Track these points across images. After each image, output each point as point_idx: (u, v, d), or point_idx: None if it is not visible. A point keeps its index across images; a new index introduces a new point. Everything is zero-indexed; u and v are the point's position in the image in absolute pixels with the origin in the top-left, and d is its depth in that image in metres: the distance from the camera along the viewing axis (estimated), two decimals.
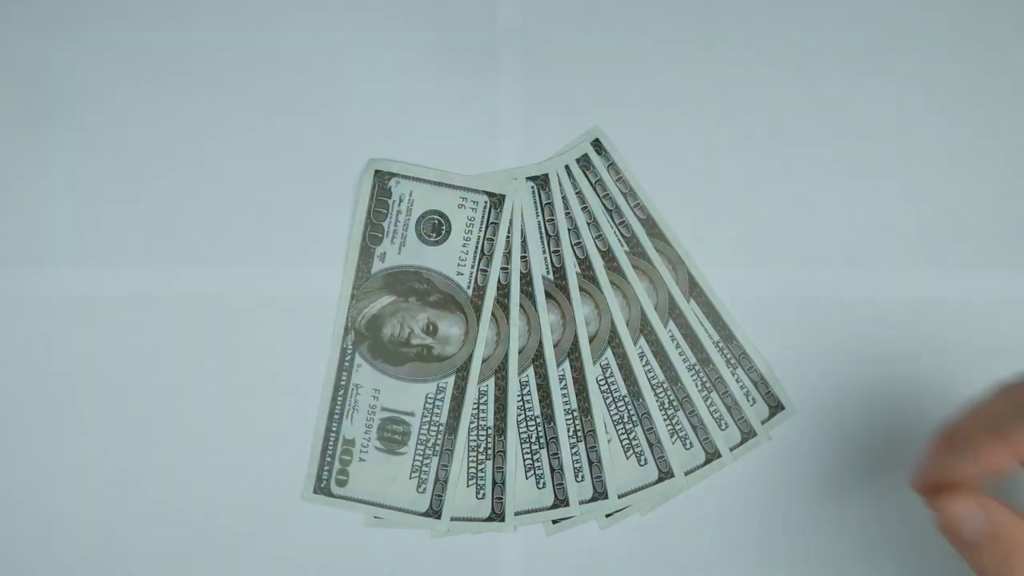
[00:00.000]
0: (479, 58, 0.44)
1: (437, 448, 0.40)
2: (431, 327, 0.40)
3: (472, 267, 0.40)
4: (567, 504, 0.40)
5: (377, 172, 0.41)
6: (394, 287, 0.40)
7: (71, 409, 0.43)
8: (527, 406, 0.39)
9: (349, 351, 0.41)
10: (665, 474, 0.41)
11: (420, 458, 0.40)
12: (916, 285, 0.44)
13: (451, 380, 0.40)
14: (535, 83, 0.45)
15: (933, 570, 0.43)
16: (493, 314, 0.40)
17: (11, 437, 0.43)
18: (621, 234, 0.41)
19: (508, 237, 0.40)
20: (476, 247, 0.40)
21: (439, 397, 0.40)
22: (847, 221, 0.44)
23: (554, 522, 0.41)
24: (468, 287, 0.40)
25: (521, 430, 0.40)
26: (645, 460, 0.41)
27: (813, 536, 0.43)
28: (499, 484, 0.40)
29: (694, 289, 0.41)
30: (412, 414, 0.40)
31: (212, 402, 0.43)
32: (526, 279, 0.40)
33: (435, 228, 0.40)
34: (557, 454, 0.39)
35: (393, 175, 0.41)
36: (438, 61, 0.44)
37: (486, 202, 0.40)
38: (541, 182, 0.41)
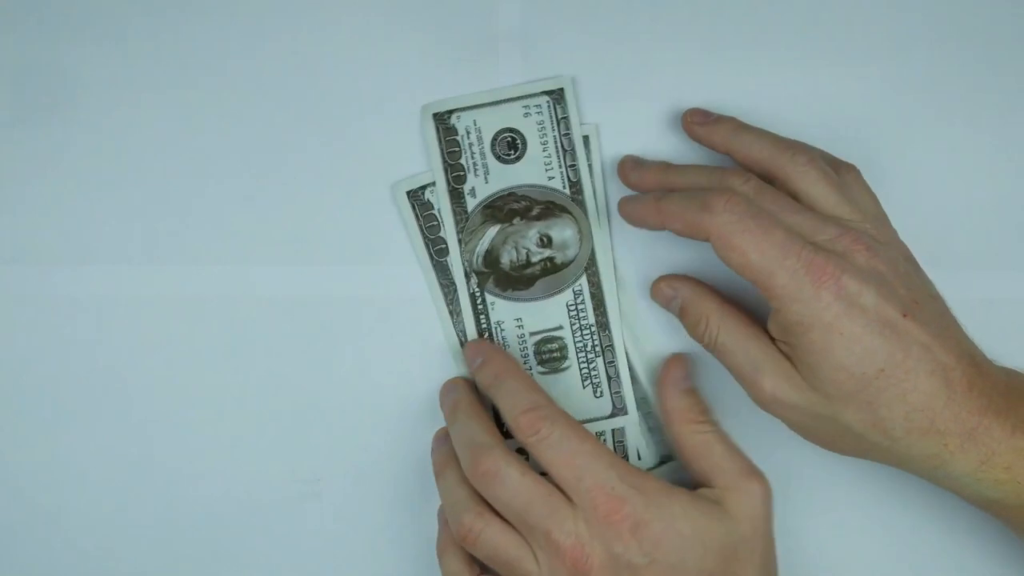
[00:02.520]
0: (479, 58, 0.44)
1: (598, 349, 0.40)
2: (545, 239, 0.41)
3: (561, 167, 0.40)
4: (626, 412, 0.41)
5: (435, 115, 0.41)
6: (495, 216, 0.41)
7: (72, 409, 0.43)
8: (581, 315, 0.40)
9: (478, 294, 0.41)
10: (619, 410, 0.41)
11: (585, 365, 0.40)
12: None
13: (583, 280, 0.41)
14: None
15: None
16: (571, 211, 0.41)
17: (11, 437, 0.43)
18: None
19: (568, 134, 0.41)
20: (556, 147, 0.40)
21: (579, 301, 0.40)
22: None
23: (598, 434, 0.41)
24: (564, 187, 0.40)
25: (576, 339, 0.40)
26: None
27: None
28: (614, 379, 0.41)
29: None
30: (561, 327, 0.40)
31: (213, 402, 0.43)
32: (575, 187, 0.41)
33: (511, 145, 0.41)
34: (613, 362, 0.40)
35: (451, 112, 0.41)
36: (438, 61, 0.44)
37: (548, 102, 0.41)
38: (556, 96, 0.41)
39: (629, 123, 0.44)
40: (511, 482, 0.36)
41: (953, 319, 0.37)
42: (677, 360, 0.41)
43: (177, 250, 0.44)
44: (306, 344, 0.44)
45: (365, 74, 0.44)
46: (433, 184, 0.41)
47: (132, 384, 0.43)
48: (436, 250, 0.41)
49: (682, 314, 0.40)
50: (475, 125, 0.41)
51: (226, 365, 0.43)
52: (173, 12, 0.44)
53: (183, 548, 0.43)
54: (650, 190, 0.40)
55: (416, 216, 0.41)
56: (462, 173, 0.41)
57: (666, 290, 0.40)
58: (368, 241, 0.44)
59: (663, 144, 0.44)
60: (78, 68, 0.44)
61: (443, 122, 0.41)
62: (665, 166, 0.41)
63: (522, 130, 0.41)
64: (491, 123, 0.41)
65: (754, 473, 0.38)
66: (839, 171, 0.39)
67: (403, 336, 0.44)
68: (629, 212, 0.40)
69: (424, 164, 0.43)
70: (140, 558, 0.43)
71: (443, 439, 0.41)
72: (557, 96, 0.41)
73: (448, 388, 0.42)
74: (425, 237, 0.41)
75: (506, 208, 0.40)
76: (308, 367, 0.44)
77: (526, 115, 0.41)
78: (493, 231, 0.40)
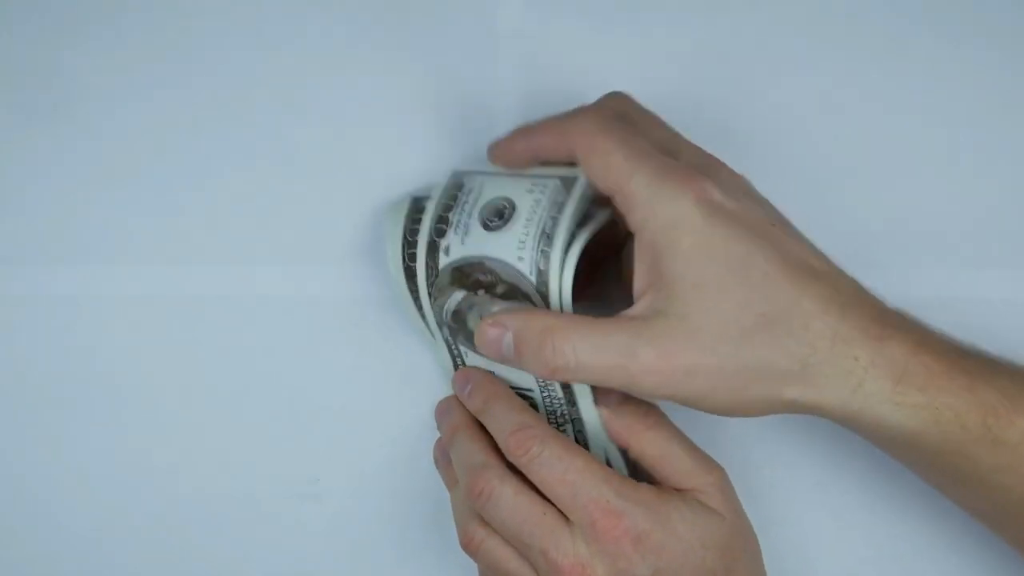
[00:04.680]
0: (479, 58, 0.44)
1: (566, 416, 0.39)
2: None
3: (534, 251, 0.36)
4: None
5: (453, 171, 0.40)
6: (462, 281, 0.38)
7: (71, 409, 0.43)
8: (549, 387, 0.39)
9: (452, 343, 0.40)
10: None
11: (556, 426, 0.39)
12: (916, 285, 0.44)
13: None
14: (535, 83, 0.45)
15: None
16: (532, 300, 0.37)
17: (11, 437, 0.43)
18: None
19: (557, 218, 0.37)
20: (538, 229, 0.36)
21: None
22: (846, 222, 0.44)
23: None
24: (531, 273, 0.36)
25: (546, 403, 0.39)
26: None
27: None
28: (583, 444, 0.39)
29: None
30: (531, 389, 0.39)
31: (212, 402, 0.43)
32: (542, 276, 0.37)
33: (499, 213, 0.37)
34: (582, 431, 0.39)
35: (469, 172, 0.39)
36: (438, 61, 0.44)
37: (556, 184, 0.37)
38: (568, 183, 0.38)
39: None
40: (505, 502, 0.36)
41: (804, 238, 0.37)
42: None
43: (177, 250, 0.44)
44: (306, 344, 0.44)
45: (365, 74, 0.44)
46: (479, 172, 0.39)
47: (132, 384, 0.43)
48: (436, 229, 0.39)
49: (519, 348, 0.35)
50: (480, 187, 0.38)
51: (225, 365, 0.43)
52: (173, 12, 0.44)
53: (182, 549, 0.43)
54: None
55: (444, 189, 0.39)
56: (445, 227, 0.38)
57: (491, 331, 0.36)
58: (368, 241, 0.44)
59: None
60: (78, 68, 0.44)
61: (457, 177, 0.39)
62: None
63: (517, 202, 0.37)
64: (494, 188, 0.38)
65: (714, 465, 0.37)
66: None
67: (403, 336, 0.44)
68: (500, 152, 0.38)
69: (421, 173, 0.43)
70: (139, 558, 0.43)
71: (447, 457, 0.41)
72: (568, 182, 0.37)
73: (444, 410, 0.41)
74: (436, 212, 0.39)
75: (472, 277, 0.38)
76: (308, 367, 0.44)
77: (529, 191, 0.37)
78: (459, 295, 0.38)
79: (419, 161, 0.44)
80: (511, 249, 0.37)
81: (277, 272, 0.44)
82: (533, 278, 0.36)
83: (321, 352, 0.44)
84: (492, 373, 0.40)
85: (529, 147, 0.37)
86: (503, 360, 0.36)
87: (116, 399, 0.43)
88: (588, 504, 0.35)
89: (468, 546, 0.37)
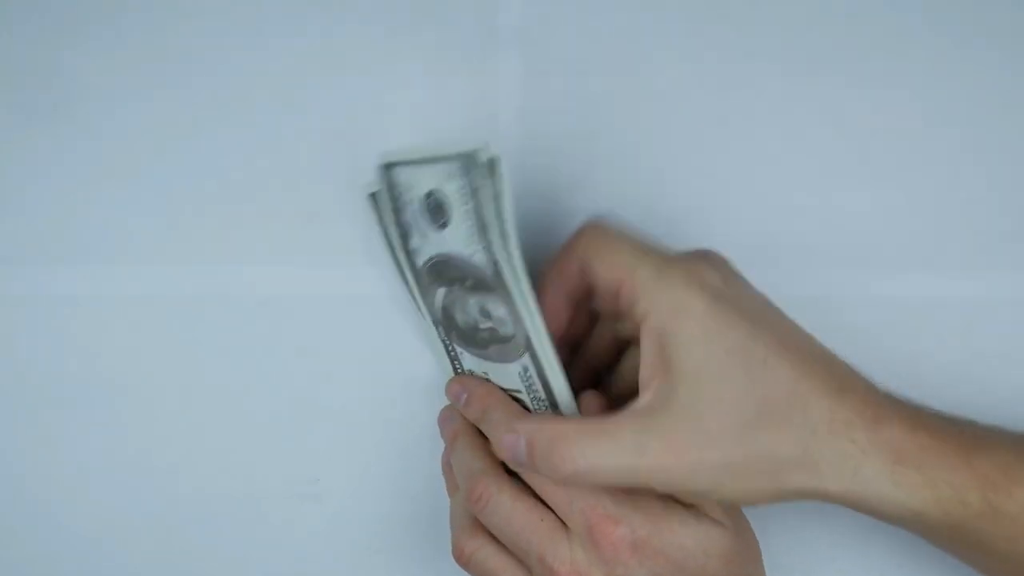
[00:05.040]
0: (479, 58, 0.44)
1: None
2: (484, 310, 0.37)
3: (479, 244, 0.35)
4: None
5: (383, 165, 0.37)
6: (439, 279, 0.38)
7: (71, 409, 0.43)
8: (533, 387, 0.39)
9: (447, 342, 0.40)
10: None
11: None
12: (916, 285, 0.44)
13: (527, 358, 0.37)
14: (535, 83, 0.45)
15: None
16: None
17: (11, 437, 0.43)
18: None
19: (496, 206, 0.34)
20: (474, 221, 0.34)
21: (528, 375, 0.38)
22: (846, 222, 0.44)
23: None
24: (486, 266, 0.35)
25: (534, 405, 0.39)
26: None
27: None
28: None
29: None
30: (520, 391, 0.39)
31: (212, 402, 0.43)
32: (495, 267, 0.35)
33: (438, 209, 0.35)
34: None
35: (395, 164, 0.37)
36: (438, 61, 0.44)
37: (459, 167, 0.34)
38: (467, 161, 0.34)
39: (628, 123, 0.44)
40: (503, 507, 0.36)
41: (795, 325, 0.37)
42: (594, 398, 0.38)
43: (177, 250, 0.44)
44: (306, 344, 0.44)
45: (365, 74, 0.44)
46: (402, 163, 0.36)
47: (132, 384, 0.43)
48: (401, 234, 0.38)
49: (530, 455, 0.35)
50: (408, 180, 0.36)
51: (225, 365, 0.43)
52: (173, 12, 0.44)
53: (182, 549, 0.43)
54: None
55: (388, 193, 0.37)
56: (407, 231, 0.37)
57: (507, 439, 0.36)
58: (368, 241, 0.44)
59: (662, 144, 0.44)
60: (78, 68, 0.44)
61: (389, 175, 0.37)
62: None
63: (446, 193, 0.35)
64: (423, 182, 0.35)
65: None
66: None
67: (403, 336, 0.44)
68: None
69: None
70: (139, 558, 0.43)
71: (451, 464, 0.41)
72: (468, 161, 0.33)
73: (446, 418, 0.41)
74: (394, 218, 0.37)
75: (446, 274, 0.37)
76: (308, 367, 0.44)
77: (449, 177, 0.34)
78: (442, 292, 0.38)
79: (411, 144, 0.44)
80: (463, 245, 0.36)
81: (277, 272, 0.44)
82: (489, 271, 0.35)
83: (321, 352, 0.44)
84: (487, 378, 0.40)
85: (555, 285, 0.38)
86: (519, 465, 0.36)
87: (116, 399, 0.43)
88: (585, 510, 0.35)
89: (459, 558, 0.37)
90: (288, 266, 0.44)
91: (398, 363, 0.44)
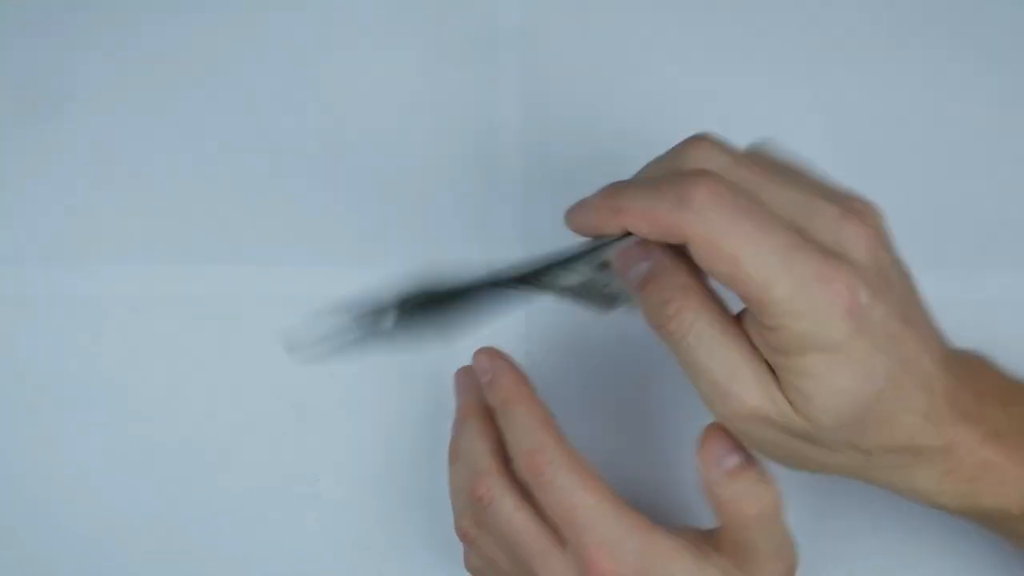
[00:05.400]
0: (479, 58, 0.44)
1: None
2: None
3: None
4: None
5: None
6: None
7: (71, 409, 0.43)
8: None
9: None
10: None
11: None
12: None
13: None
14: (535, 83, 0.45)
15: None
16: None
17: (11, 437, 0.43)
18: None
19: None
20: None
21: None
22: None
23: None
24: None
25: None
26: None
27: None
28: None
29: None
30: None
31: (213, 402, 0.43)
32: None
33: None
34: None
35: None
36: (438, 61, 0.44)
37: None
38: None
39: (629, 122, 0.44)
40: (503, 514, 0.35)
41: (925, 305, 0.32)
42: (716, 434, 0.34)
43: (177, 250, 0.44)
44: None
45: (365, 74, 0.44)
46: None
47: (132, 384, 0.43)
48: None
49: (646, 287, 0.31)
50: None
51: (225, 365, 0.43)
52: (173, 12, 0.44)
53: (182, 548, 0.43)
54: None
55: None
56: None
57: (636, 252, 0.31)
58: (368, 241, 0.44)
59: (660, 144, 0.44)
60: (78, 68, 0.44)
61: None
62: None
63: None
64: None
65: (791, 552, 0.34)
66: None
67: None
68: (579, 220, 0.33)
69: (421, 173, 0.43)
70: (139, 558, 0.43)
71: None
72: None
73: (464, 385, 0.39)
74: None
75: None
76: (307, 367, 0.44)
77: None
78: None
79: (419, 160, 0.44)
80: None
81: (278, 272, 0.44)
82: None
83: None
84: (516, 367, 0.37)
85: (618, 220, 0.31)
86: (626, 274, 0.32)
87: (116, 399, 0.43)
88: (584, 535, 0.33)
89: (463, 538, 0.37)
90: (288, 266, 0.44)
91: (398, 363, 0.44)
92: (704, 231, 0.28)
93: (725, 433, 0.33)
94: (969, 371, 0.33)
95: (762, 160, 0.31)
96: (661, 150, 0.44)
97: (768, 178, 0.30)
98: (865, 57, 0.44)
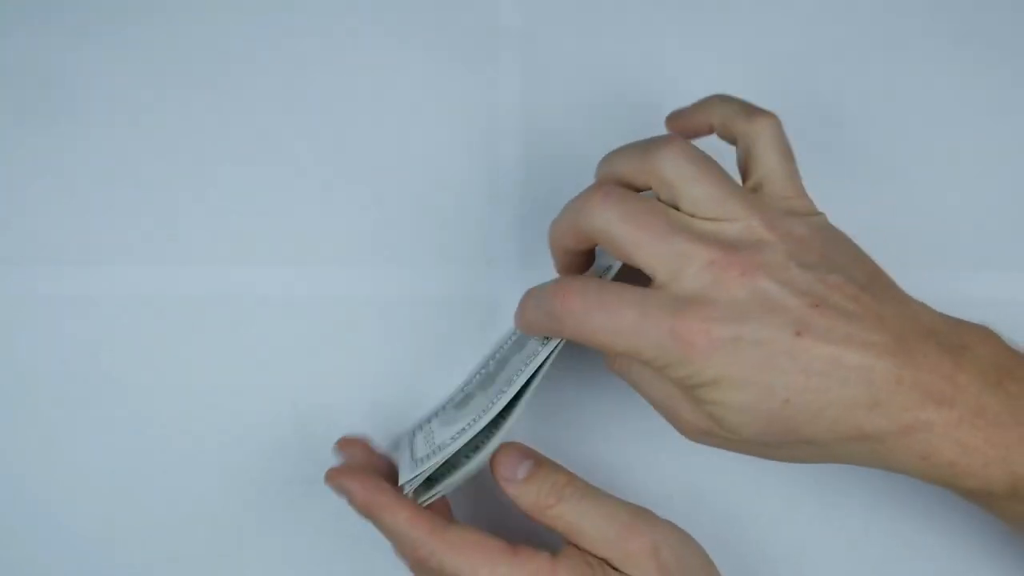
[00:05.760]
0: (479, 58, 0.44)
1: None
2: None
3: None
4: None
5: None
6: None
7: (71, 409, 0.43)
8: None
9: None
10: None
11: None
12: (916, 285, 0.43)
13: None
14: (535, 83, 0.45)
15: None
16: None
17: (11, 437, 0.43)
18: None
19: None
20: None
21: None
22: (846, 222, 0.44)
23: None
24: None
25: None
26: None
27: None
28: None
29: None
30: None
31: (213, 402, 0.43)
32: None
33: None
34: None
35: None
36: (438, 61, 0.44)
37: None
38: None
39: (627, 123, 0.44)
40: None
41: (883, 291, 0.33)
42: (503, 455, 0.37)
43: (177, 250, 0.44)
44: (306, 344, 0.44)
45: (365, 74, 0.44)
46: None
47: (132, 384, 0.43)
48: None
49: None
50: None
51: (226, 365, 0.43)
52: (173, 12, 0.44)
53: (181, 548, 0.43)
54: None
55: None
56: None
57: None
58: (368, 241, 0.44)
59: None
60: (78, 68, 0.44)
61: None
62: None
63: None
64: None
65: (641, 530, 0.36)
66: (750, 123, 0.35)
67: (403, 336, 0.44)
68: (517, 325, 0.37)
69: (421, 172, 0.43)
70: (139, 558, 0.43)
71: None
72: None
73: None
74: None
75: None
76: (308, 367, 0.44)
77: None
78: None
79: (418, 160, 0.44)
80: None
81: (277, 272, 0.44)
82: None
83: (321, 352, 0.44)
84: (356, 477, 0.38)
85: (531, 328, 0.36)
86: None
87: (116, 399, 0.43)
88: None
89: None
90: (287, 266, 0.44)
91: (398, 364, 0.44)
92: (573, 334, 0.33)
93: (512, 448, 0.37)
94: (954, 350, 0.33)
95: (648, 209, 0.33)
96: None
97: (647, 232, 0.32)
98: (864, 57, 0.44)
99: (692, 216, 0.33)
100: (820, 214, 0.35)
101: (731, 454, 0.34)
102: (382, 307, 0.44)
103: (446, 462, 0.37)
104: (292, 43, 0.44)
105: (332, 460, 0.44)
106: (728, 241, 0.32)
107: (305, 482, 0.43)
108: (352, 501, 0.37)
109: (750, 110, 0.36)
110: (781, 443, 0.33)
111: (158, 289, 0.44)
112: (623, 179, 0.35)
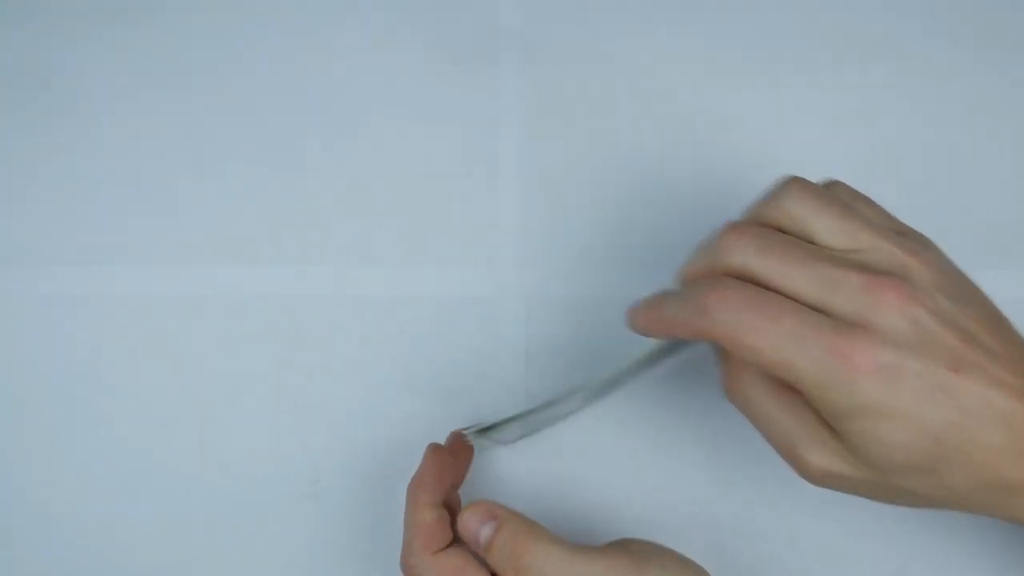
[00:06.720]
0: (479, 58, 0.44)
1: None
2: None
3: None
4: None
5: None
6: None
7: (71, 409, 0.43)
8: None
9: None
10: None
11: None
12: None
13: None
14: (535, 83, 0.45)
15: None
16: None
17: (11, 437, 0.43)
18: None
19: None
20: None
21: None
22: None
23: None
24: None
25: None
26: None
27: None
28: None
29: None
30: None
31: (213, 402, 0.43)
32: None
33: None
34: None
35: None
36: (438, 61, 0.44)
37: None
38: None
39: (627, 123, 0.44)
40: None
41: (1008, 330, 0.32)
42: (465, 516, 0.37)
43: (176, 250, 0.44)
44: (305, 344, 0.44)
45: (365, 74, 0.44)
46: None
47: (132, 384, 0.43)
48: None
49: (722, 355, 0.34)
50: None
51: (225, 365, 0.43)
52: (173, 12, 0.44)
53: (181, 548, 0.43)
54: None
55: None
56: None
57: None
58: (368, 241, 0.44)
59: (659, 145, 0.44)
60: (78, 68, 0.44)
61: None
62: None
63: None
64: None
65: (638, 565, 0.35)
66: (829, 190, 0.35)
67: (403, 336, 0.44)
68: (635, 323, 0.35)
69: (421, 172, 0.43)
70: (138, 558, 0.43)
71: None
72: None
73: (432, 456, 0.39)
74: None
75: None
76: (307, 367, 0.44)
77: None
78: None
79: (418, 160, 0.44)
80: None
81: (278, 272, 0.44)
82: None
83: (321, 352, 0.44)
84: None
85: (665, 329, 0.34)
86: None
87: (116, 399, 0.43)
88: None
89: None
90: (289, 266, 0.44)
91: (398, 364, 0.44)
92: (722, 332, 0.31)
93: (474, 509, 0.36)
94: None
95: (782, 241, 0.32)
96: (660, 150, 0.44)
97: (790, 261, 0.32)
98: (864, 57, 0.44)
99: (829, 247, 0.32)
100: (928, 238, 0.34)
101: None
102: (382, 307, 0.44)
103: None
104: (291, 43, 0.44)
105: (332, 460, 0.44)
106: (875, 267, 0.31)
107: (304, 482, 0.43)
108: (416, 474, 0.38)
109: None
110: (916, 483, 0.32)
111: (158, 289, 0.44)
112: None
